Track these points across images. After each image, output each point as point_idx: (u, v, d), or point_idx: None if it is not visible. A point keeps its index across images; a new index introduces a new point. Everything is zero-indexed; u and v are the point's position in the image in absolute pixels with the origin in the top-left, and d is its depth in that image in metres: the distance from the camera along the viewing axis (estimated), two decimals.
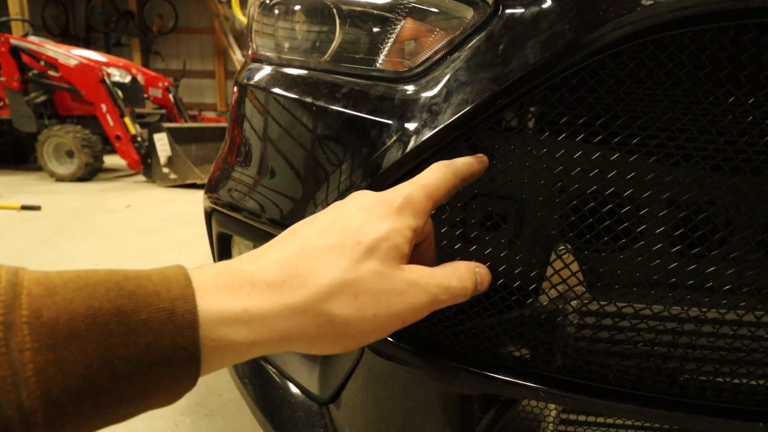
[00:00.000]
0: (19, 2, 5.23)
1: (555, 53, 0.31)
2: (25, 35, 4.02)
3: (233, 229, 0.62)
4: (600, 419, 0.46)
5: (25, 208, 2.66)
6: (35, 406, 0.18)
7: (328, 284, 0.25)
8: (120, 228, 2.41)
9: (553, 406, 0.47)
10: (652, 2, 0.28)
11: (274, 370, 0.64)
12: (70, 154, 3.74)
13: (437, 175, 0.30)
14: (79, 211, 2.75)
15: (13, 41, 3.72)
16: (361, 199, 0.29)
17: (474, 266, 0.31)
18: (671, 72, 0.31)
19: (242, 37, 6.32)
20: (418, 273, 0.28)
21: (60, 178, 3.73)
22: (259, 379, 0.64)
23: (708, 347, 0.36)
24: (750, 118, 0.30)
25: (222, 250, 0.68)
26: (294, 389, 0.61)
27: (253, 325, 0.24)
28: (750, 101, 0.30)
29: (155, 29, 8.27)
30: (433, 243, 0.34)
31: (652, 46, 0.31)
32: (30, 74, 3.83)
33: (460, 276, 0.30)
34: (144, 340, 0.21)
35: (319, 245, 0.26)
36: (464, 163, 0.32)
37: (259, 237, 0.56)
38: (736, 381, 0.36)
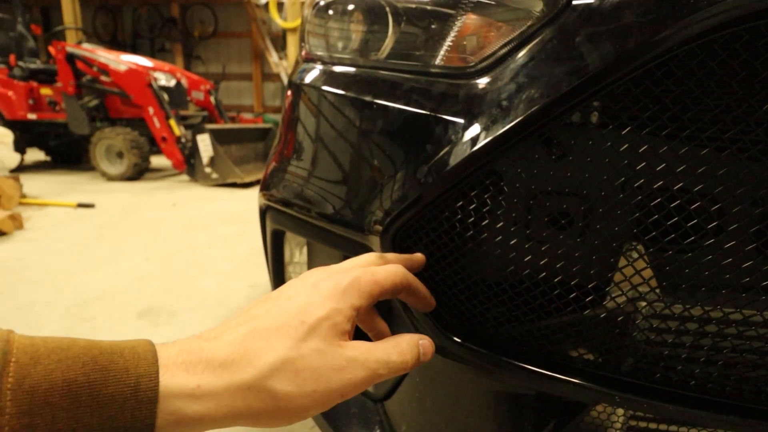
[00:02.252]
0: (73, 12, 5.55)
1: (638, 45, 0.29)
2: (79, 43, 4.26)
3: (288, 226, 0.63)
4: (672, 428, 0.44)
5: (80, 205, 2.83)
6: None
7: (272, 363, 0.27)
8: (166, 225, 2.52)
9: (621, 412, 0.45)
10: None
11: None
12: (120, 155, 3.94)
13: (390, 269, 0.34)
14: (129, 208, 2.89)
15: (68, 49, 3.96)
16: (312, 278, 0.33)
17: (417, 338, 0.33)
18: (766, 62, 0.29)
19: (278, 40, 6.45)
20: (358, 350, 0.30)
21: (111, 178, 3.93)
22: None
23: None
24: None
25: (275, 247, 0.70)
26: None
27: (203, 400, 0.26)
28: None
29: (196, 34, 8.58)
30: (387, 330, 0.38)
31: (747, 34, 0.29)
32: (84, 79, 4.06)
33: (400, 350, 0.32)
34: (108, 412, 0.23)
35: (267, 326, 0.29)
36: (416, 279, 0.37)
37: (315, 233, 0.57)
38: None
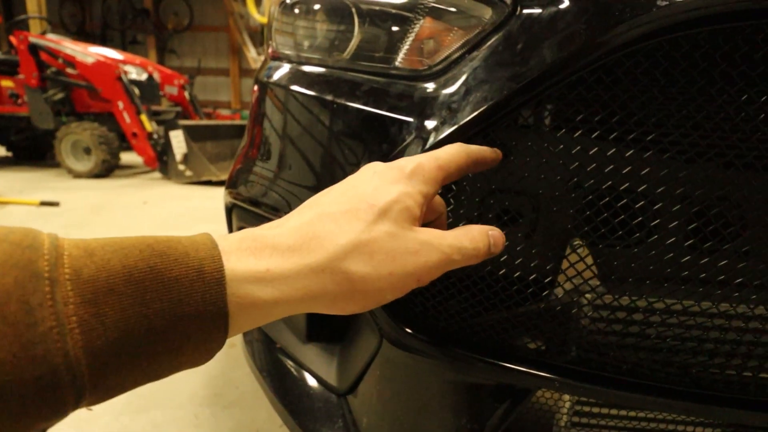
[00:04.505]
0: (37, 1, 5.33)
1: (571, 52, 0.32)
2: (43, 33, 4.11)
3: (253, 224, 0.63)
4: (613, 411, 0.47)
5: (44, 203, 2.73)
6: (79, 356, 0.20)
7: (344, 244, 0.26)
8: (137, 224, 2.46)
9: (567, 397, 0.48)
10: (668, 3, 0.29)
11: (292, 363, 0.66)
12: (87, 151, 3.82)
13: (451, 150, 0.32)
14: (97, 207, 2.81)
15: (31, 39, 3.80)
16: (374, 168, 0.31)
17: (488, 229, 0.32)
18: (686, 70, 0.32)
19: (256, 35, 6.37)
20: (431, 234, 0.29)
21: (78, 175, 3.81)
22: (277, 372, 0.66)
23: (720, 340, 0.37)
24: (763, 115, 0.30)
25: None
26: (312, 381, 0.63)
27: (275, 283, 0.25)
28: (763, 99, 0.30)
29: (170, 27, 8.37)
30: (445, 222, 0.36)
31: (667, 45, 0.31)
32: (48, 72, 3.91)
33: (472, 237, 0.30)
34: (176, 295, 0.22)
35: (335, 210, 0.28)
36: (478, 148, 0.34)
37: None
38: (746, 374, 0.37)
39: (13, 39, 3.93)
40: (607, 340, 0.39)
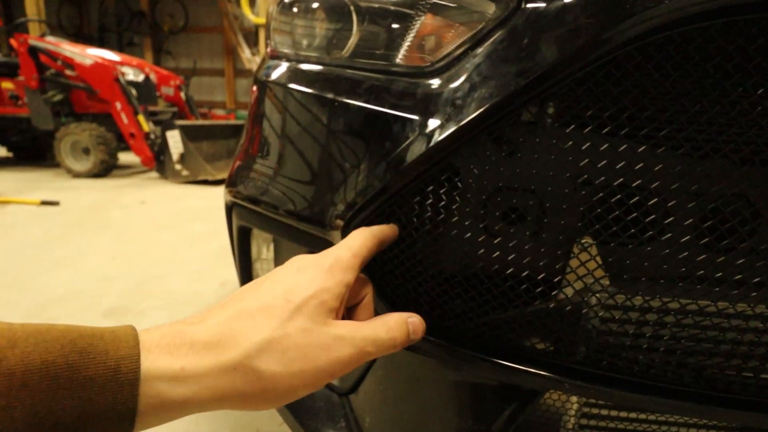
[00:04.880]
0: (36, 4, 5.32)
1: (579, 47, 0.31)
2: (42, 35, 4.10)
3: (253, 222, 0.63)
4: (622, 414, 0.47)
5: (44, 203, 2.72)
6: None
7: (257, 342, 0.27)
8: (135, 223, 2.45)
9: (574, 399, 0.47)
10: None
11: None
12: (86, 151, 3.81)
13: (360, 237, 0.35)
14: (96, 206, 2.80)
15: (31, 41, 3.80)
16: (298, 262, 0.33)
17: (406, 316, 0.33)
18: (698, 64, 0.31)
19: (251, 36, 6.35)
20: (345, 328, 0.30)
21: (77, 175, 3.80)
22: None
23: (734, 341, 0.36)
24: None
25: (242, 243, 0.70)
26: None
27: (188, 382, 0.26)
28: None
29: (166, 28, 8.36)
30: (371, 302, 0.37)
31: (679, 38, 0.31)
32: (47, 73, 3.91)
33: (388, 328, 0.32)
34: (88, 394, 0.23)
35: (253, 307, 0.29)
36: (380, 228, 0.37)
37: (280, 229, 0.57)
38: (764, 376, 0.36)
39: (13, 42, 3.92)
40: (619, 340, 0.38)
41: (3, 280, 1.63)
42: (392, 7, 0.48)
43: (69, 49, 3.82)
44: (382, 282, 0.44)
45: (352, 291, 0.36)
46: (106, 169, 3.84)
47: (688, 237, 0.35)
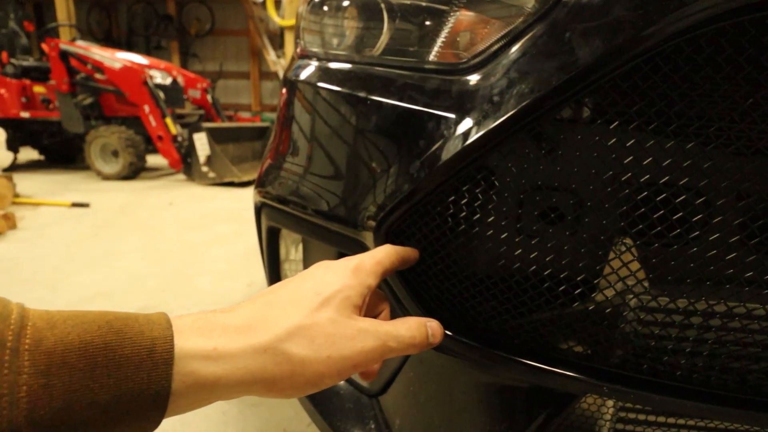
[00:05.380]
0: (67, 9, 5.51)
1: (624, 41, 0.30)
2: (73, 40, 4.24)
3: (283, 222, 0.63)
4: (660, 419, 0.45)
5: (75, 205, 2.82)
6: (21, 424, 0.21)
7: (287, 327, 0.29)
8: (163, 224, 2.51)
9: (610, 404, 0.46)
10: None
11: None
12: (115, 154, 3.92)
13: (385, 250, 0.38)
14: (125, 207, 2.88)
15: (62, 46, 3.93)
16: (324, 264, 0.35)
17: (425, 320, 0.35)
18: (751, 58, 0.30)
19: (276, 38, 6.43)
20: (369, 322, 0.32)
21: (106, 177, 3.91)
22: None
23: (759, 344, 0.34)
24: None
25: (270, 244, 0.70)
26: (342, 382, 0.62)
27: (220, 361, 0.27)
28: None
29: (193, 32, 8.55)
30: (388, 316, 0.39)
31: (731, 31, 0.29)
32: (78, 77, 4.04)
33: (409, 327, 0.33)
34: (124, 372, 0.24)
35: (283, 298, 0.31)
36: (405, 249, 0.40)
37: (310, 229, 0.57)
38: None
39: (44, 46, 4.06)
40: (660, 344, 0.36)
41: (38, 280, 1.69)
42: (425, 4, 0.47)
43: (99, 52, 3.94)
44: (416, 284, 0.44)
45: (371, 303, 0.39)
46: (135, 171, 3.94)
47: (732, 238, 0.33)
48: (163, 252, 2.03)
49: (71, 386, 0.23)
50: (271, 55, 6.36)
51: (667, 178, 0.33)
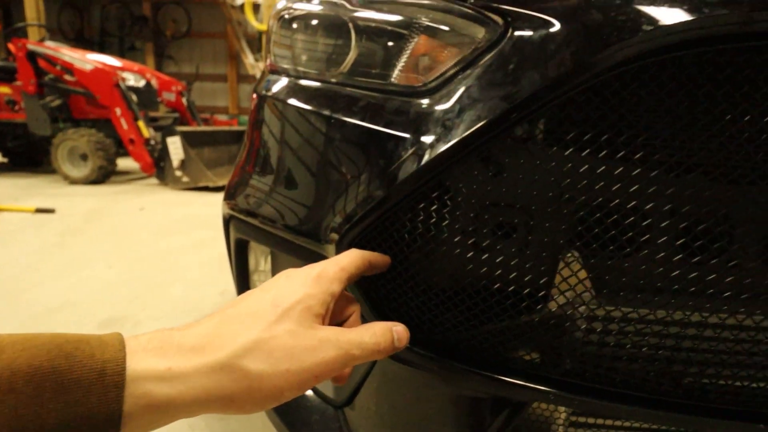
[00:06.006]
0: (36, 8, 5.33)
1: (561, 74, 0.32)
2: (42, 40, 4.11)
3: (251, 235, 0.64)
4: (608, 422, 0.48)
5: (39, 210, 2.72)
6: None
7: (244, 343, 0.28)
8: (134, 230, 2.46)
9: (563, 408, 0.48)
10: (653, 27, 0.29)
11: None
12: (84, 157, 3.81)
13: (350, 255, 0.37)
14: (93, 213, 2.80)
15: (30, 46, 3.81)
16: (286, 273, 0.35)
17: (391, 325, 0.35)
18: (672, 90, 0.33)
19: (254, 41, 6.40)
20: (331, 331, 0.31)
21: (74, 181, 3.80)
22: None
23: (710, 351, 0.37)
24: (746, 134, 0.31)
25: (239, 255, 0.71)
26: (309, 393, 0.63)
27: (174, 382, 0.26)
28: (746, 118, 0.31)
29: (169, 34, 8.40)
30: (358, 321, 0.39)
31: (654, 66, 0.32)
32: (46, 78, 3.92)
33: (372, 333, 0.33)
34: (73, 396, 0.24)
35: (241, 312, 0.31)
36: (372, 254, 0.40)
37: (276, 243, 0.58)
38: (738, 384, 0.37)
39: (11, 46, 3.93)
40: (602, 351, 0.39)
41: None
42: (388, 27, 0.49)
43: (68, 54, 3.83)
44: (375, 296, 0.45)
45: (339, 308, 0.38)
46: (104, 175, 3.84)
47: (668, 251, 0.36)
48: (132, 260, 1.99)
49: (18, 411, 0.22)
50: (249, 58, 6.31)
51: (600, 196, 0.35)
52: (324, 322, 0.33)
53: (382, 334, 0.33)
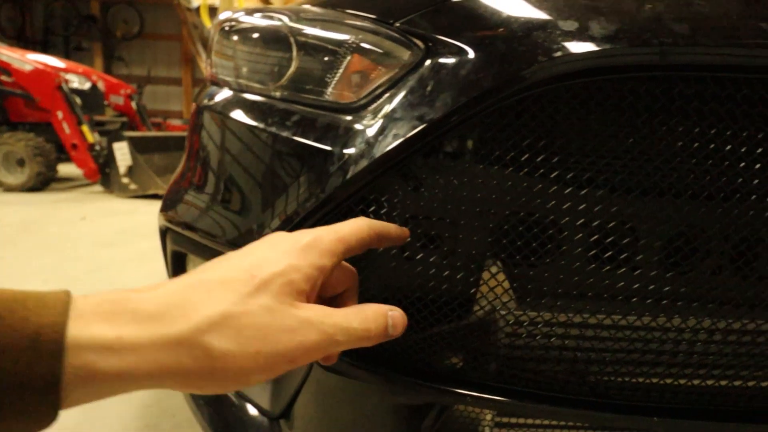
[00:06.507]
0: None
1: (472, 98, 0.35)
2: None
3: (187, 247, 0.63)
4: (529, 420, 0.51)
5: None
6: None
7: (210, 316, 0.25)
8: (74, 241, 2.32)
9: (488, 411, 0.51)
10: (547, 59, 0.33)
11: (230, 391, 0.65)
12: (20, 163, 3.58)
13: (353, 224, 0.32)
14: (30, 223, 2.62)
15: None
16: (273, 237, 0.30)
17: (387, 309, 0.31)
18: (570, 114, 0.36)
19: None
20: (314, 312, 0.27)
21: (9, 188, 3.55)
22: (214, 401, 0.65)
23: (608, 350, 0.41)
24: (645, 153, 0.35)
25: (176, 267, 0.69)
26: (246, 406, 0.62)
27: (123, 353, 0.23)
28: (633, 137, 0.35)
29: (119, 34, 8.06)
30: (355, 296, 0.35)
31: (552, 93, 0.36)
32: None
33: (363, 318, 0.29)
34: (1, 364, 0.21)
35: (212, 278, 0.26)
36: (382, 224, 0.34)
37: (214, 255, 0.58)
38: (635, 380, 0.41)
39: None
40: (515, 354, 0.42)
41: None
42: (324, 44, 0.51)
43: (5, 53, 3.60)
44: None
45: (333, 280, 0.33)
46: (43, 182, 3.62)
47: (581, 259, 0.39)
48: (71, 273, 1.88)
49: None
50: (205, 62, 6.16)
51: (518, 209, 0.38)
52: (309, 300, 0.28)
53: (374, 319, 0.29)
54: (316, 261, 0.29)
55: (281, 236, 0.30)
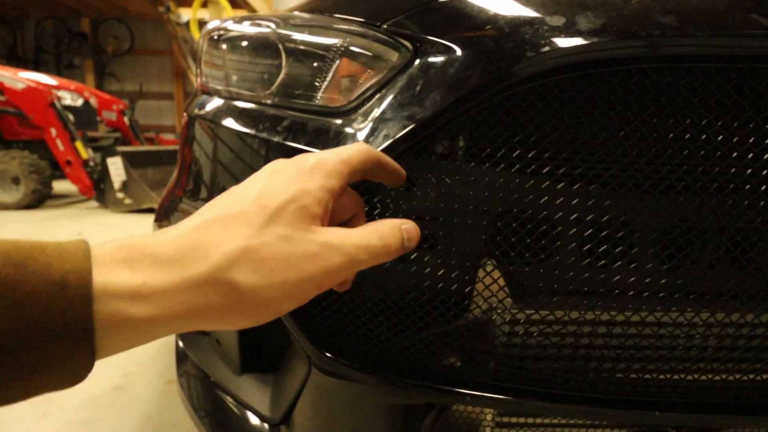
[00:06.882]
0: None
1: (461, 95, 0.35)
2: None
3: None
4: (530, 420, 0.50)
5: None
6: None
7: (230, 252, 0.24)
8: None
9: (488, 410, 0.50)
10: (534, 54, 0.33)
11: (227, 396, 0.65)
12: (15, 181, 3.56)
13: (354, 147, 0.31)
14: None
15: None
16: (274, 165, 0.29)
17: (400, 223, 0.30)
18: (559, 109, 0.36)
19: None
20: (332, 234, 0.27)
21: (5, 206, 3.53)
22: (213, 407, 0.64)
23: (606, 346, 0.41)
24: (637, 148, 0.35)
25: None
26: (247, 414, 0.61)
27: (151, 299, 0.23)
28: (621, 134, 0.35)
29: (110, 50, 8.07)
30: (363, 222, 0.34)
31: (540, 88, 0.36)
32: None
33: (381, 234, 0.29)
34: (30, 313, 0.20)
35: (224, 214, 0.26)
36: (383, 153, 0.33)
37: None
38: (635, 375, 0.41)
39: None
40: (513, 352, 0.42)
41: None
42: (313, 49, 0.51)
43: None
44: (299, 309, 0.46)
45: (341, 206, 0.32)
46: (39, 199, 3.60)
47: (576, 255, 0.39)
48: None
49: None
50: (195, 72, 6.16)
51: (511, 207, 0.38)
52: (323, 224, 0.28)
53: (392, 234, 0.29)
54: (325, 183, 0.28)
55: (283, 162, 0.29)
